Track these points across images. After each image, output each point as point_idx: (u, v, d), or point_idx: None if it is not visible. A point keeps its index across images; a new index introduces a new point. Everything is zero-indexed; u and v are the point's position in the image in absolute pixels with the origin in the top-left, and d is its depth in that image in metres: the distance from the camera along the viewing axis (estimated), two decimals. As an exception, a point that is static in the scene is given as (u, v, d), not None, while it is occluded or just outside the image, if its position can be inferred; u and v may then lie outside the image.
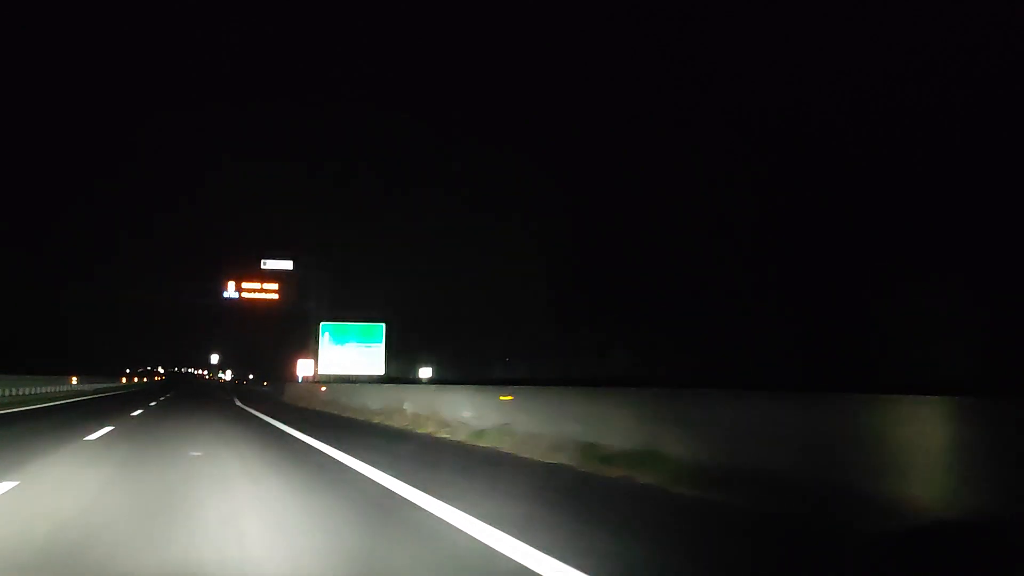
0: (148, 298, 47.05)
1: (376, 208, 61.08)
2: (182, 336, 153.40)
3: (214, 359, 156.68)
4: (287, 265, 43.43)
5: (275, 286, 43.47)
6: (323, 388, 30.09)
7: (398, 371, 37.21)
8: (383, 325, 37.41)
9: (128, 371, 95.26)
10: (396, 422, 17.59)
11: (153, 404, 27.85)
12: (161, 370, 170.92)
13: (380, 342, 37.23)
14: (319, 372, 38.05)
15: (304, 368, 42.39)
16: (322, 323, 37.59)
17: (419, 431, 15.44)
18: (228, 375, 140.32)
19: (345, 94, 75.83)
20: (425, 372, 28.94)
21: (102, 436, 12.49)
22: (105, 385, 54.71)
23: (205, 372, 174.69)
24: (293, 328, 46.88)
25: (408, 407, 17.98)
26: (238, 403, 31.79)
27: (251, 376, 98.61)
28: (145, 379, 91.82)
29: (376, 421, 19.03)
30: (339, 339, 37.17)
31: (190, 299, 45.03)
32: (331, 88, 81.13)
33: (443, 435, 14.12)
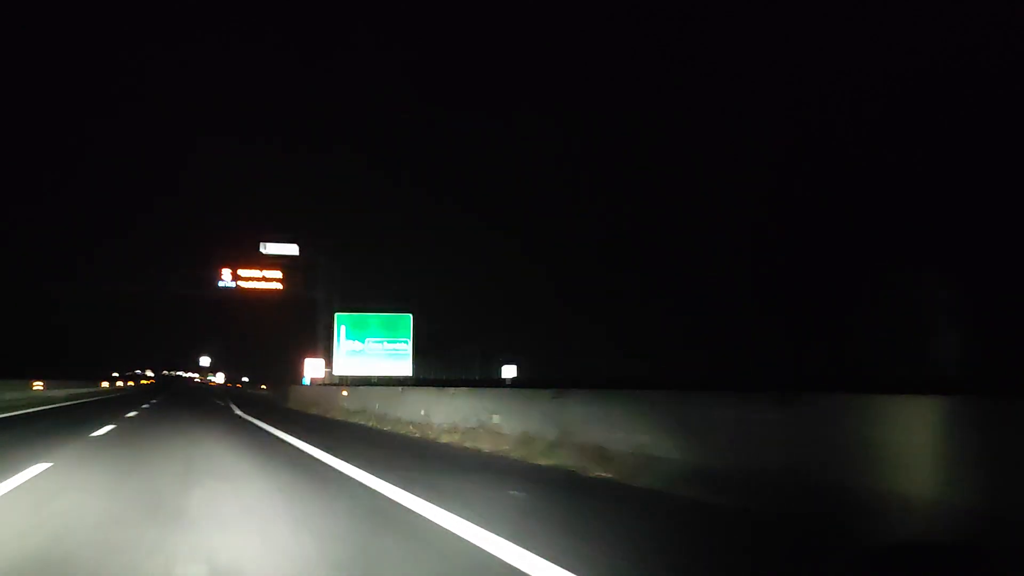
0: (135, 290, 40.73)
1: (388, 196, 54.69)
2: (171, 337, 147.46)
3: (204, 361, 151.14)
4: (291, 249, 37.45)
5: (278, 274, 37.42)
6: (345, 392, 24.23)
7: (424, 372, 31.32)
8: (410, 316, 31.42)
9: (116, 375, 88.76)
10: (485, 445, 11.75)
11: (133, 414, 21.96)
12: (150, 373, 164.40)
13: (407, 337, 31.19)
14: (333, 373, 32.02)
15: (312, 368, 36.37)
16: (337, 314, 31.56)
17: (544, 463, 9.64)
18: (219, 378, 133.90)
19: (347, 81, 69.40)
20: (509, 371, 22.15)
21: (14, 490, 6.62)
22: (83, 390, 48.49)
23: (195, 375, 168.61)
24: (298, 323, 41.01)
25: (502, 423, 12.11)
26: (238, 412, 25.89)
27: (245, 379, 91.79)
28: (131, 383, 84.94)
29: (445, 441, 13.18)
30: (358, 333, 31.11)
31: (180, 289, 38.76)
32: (333, 75, 74.97)
33: (604, 474, 8.35)
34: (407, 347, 30.97)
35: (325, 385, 32.24)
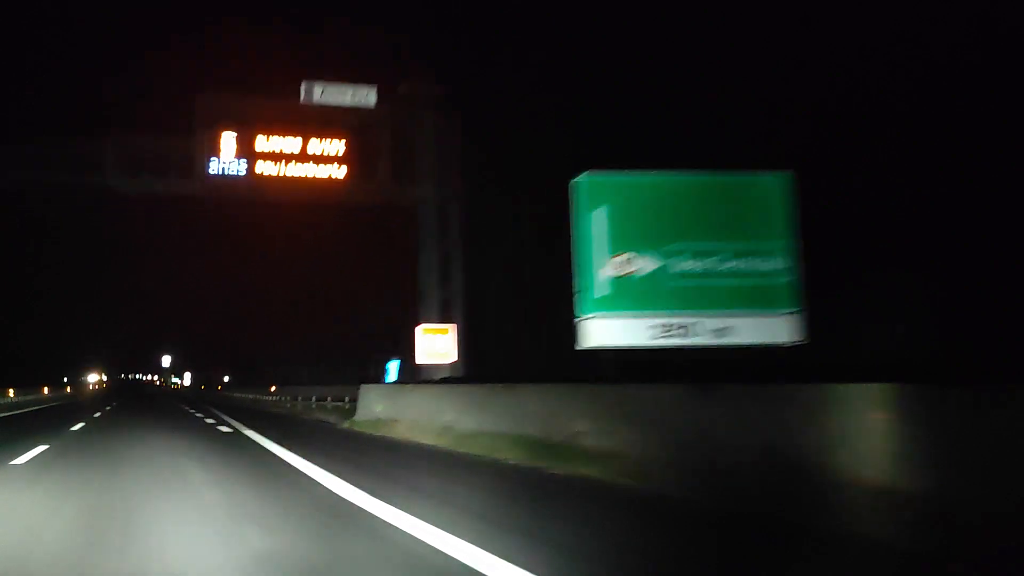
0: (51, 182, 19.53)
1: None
2: (128, 332, 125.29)
3: (166, 361, 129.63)
4: (364, 97, 17.67)
5: (339, 145, 17.59)
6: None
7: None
8: (780, 179, 11.61)
9: (66, 379, 68.20)
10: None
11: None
12: (104, 378, 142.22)
13: (784, 238, 11.41)
14: (583, 343, 11.28)
15: (428, 347, 16.69)
16: (580, 181, 11.03)
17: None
18: (186, 379, 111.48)
19: None
20: None
21: None
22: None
23: (156, 377, 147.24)
24: (376, 256, 21.74)
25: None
26: (330, 480, 6.42)
27: (227, 378, 69.98)
28: (69, 388, 63.78)
29: None
30: (642, 232, 10.94)
31: (129, 183, 18.15)
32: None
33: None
34: (784, 266, 11.26)
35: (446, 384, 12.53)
